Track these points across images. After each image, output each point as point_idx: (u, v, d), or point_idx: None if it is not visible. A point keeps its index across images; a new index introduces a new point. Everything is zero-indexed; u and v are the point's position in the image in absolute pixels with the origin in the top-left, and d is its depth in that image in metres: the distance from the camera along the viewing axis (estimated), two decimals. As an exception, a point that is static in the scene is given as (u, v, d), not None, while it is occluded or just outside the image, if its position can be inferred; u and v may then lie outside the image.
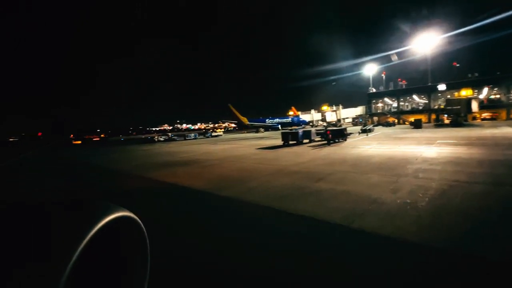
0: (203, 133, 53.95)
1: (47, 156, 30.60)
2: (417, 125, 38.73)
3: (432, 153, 13.56)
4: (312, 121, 69.27)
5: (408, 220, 5.23)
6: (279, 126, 64.30)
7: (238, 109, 70.92)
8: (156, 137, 46.65)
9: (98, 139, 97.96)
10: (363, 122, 56.83)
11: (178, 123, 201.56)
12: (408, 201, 6.35)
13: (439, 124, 44.84)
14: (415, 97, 64.80)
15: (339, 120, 59.78)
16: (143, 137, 58.47)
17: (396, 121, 55.65)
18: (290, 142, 23.97)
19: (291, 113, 73.47)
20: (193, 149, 26.55)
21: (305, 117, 70.42)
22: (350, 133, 28.67)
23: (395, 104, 65.40)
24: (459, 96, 44.62)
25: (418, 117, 46.19)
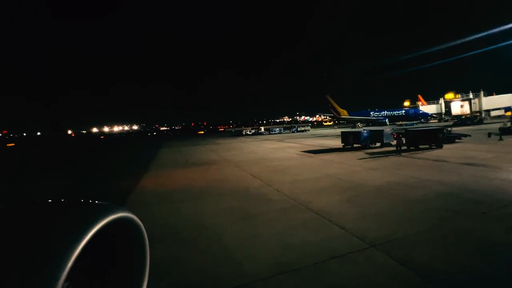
0: (289, 127, 52.15)
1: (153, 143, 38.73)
2: None
3: None
4: (441, 114, 52.09)
5: None
6: (387, 120, 52.53)
7: (342, 101, 63.73)
8: (244, 130, 49.45)
9: (222, 129, 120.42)
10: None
11: (298, 115, 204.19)
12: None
13: None
14: None
15: (479, 113, 41.58)
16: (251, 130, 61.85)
17: None
18: (354, 145, 18.63)
19: (406, 103, 58.41)
20: (246, 146, 26.15)
21: (429, 108, 53.77)
22: (462, 135, 19.05)
23: None
24: None
25: None
